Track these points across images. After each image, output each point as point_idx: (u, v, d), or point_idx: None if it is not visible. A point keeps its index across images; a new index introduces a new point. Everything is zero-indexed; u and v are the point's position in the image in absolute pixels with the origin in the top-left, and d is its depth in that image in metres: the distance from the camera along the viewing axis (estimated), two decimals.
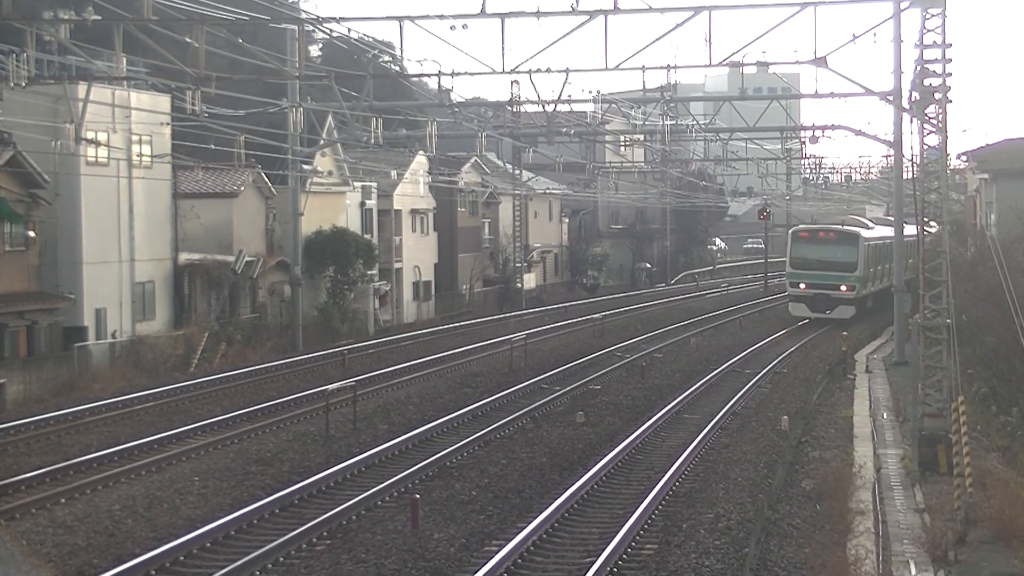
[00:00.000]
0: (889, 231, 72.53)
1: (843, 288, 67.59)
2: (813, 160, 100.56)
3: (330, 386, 39.01)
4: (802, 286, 68.47)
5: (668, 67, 38.58)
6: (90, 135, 44.84)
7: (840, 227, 70.80)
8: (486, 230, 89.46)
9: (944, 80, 30.47)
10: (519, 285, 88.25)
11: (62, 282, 48.68)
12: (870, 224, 74.81)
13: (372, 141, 44.97)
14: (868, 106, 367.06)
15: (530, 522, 24.17)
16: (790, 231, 72.09)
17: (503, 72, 33.99)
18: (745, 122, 57.96)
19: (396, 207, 74.89)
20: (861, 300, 69.15)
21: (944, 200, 32.02)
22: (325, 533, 24.32)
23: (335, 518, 25.08)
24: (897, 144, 51.13)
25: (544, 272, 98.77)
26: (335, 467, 29.98)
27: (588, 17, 32.30)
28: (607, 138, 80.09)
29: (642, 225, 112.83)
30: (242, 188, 59.96)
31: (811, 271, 68.09)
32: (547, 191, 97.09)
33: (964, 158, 69.72)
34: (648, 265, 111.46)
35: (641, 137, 75.37)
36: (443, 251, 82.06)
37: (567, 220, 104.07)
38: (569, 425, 36.64)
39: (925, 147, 31.32)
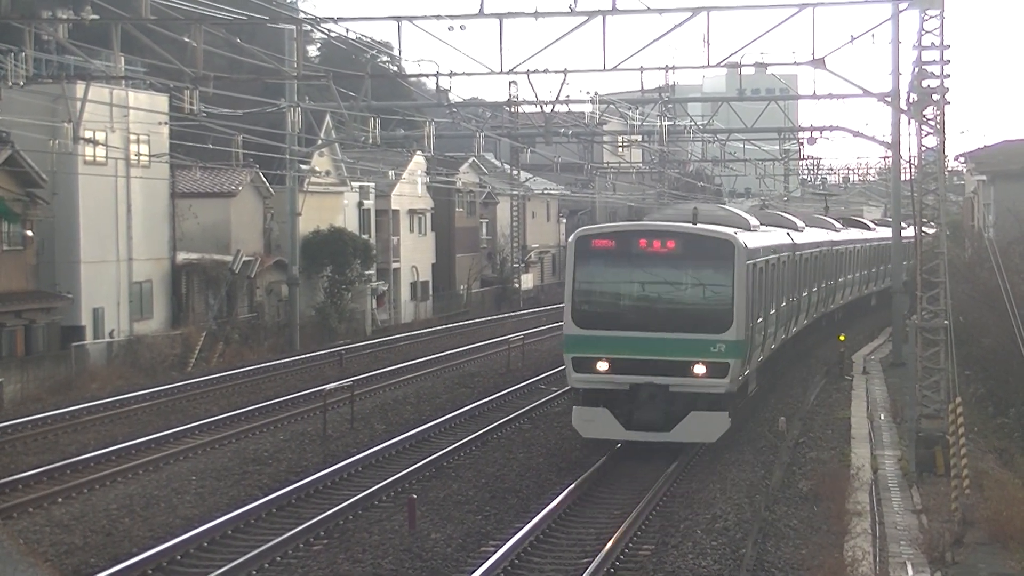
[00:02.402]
0: (792, 236, 42.74)
1: (699, 371, 30.27)
2: (811, 161, 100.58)
3: (327, 386, 39.04)
4: (601, 367, 30.56)
5: (666, 68, 38.61)
6: (88, 134, 44.80)
7: (689, 228, 31.89)
8: (484, 230, 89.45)
9: (942, 81, 30.48)
10: (517, 285, 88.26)
11: (60, 281, 48.66)
12: (754, 222, 37.29)
13: (370, 141, 44.95)
14: (866, 107, 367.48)
15: (527, 522, 24.16)
16: (572, 238, 32.19)
17: (501, 72, 34.00)
18: (743, 123, 57.95)
19: (394, 207, 74.88)
20: (743, 390, 32.55)
21: (942, 201, 32.01)
22: (322, 533, 24.32)
23: (332, 518, 25.09)
24: (895, 145, 51.14)
25: (542, 272, 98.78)
26: (332, 467, 30.01)
27: (586, 18, 32.31)
28: (605, 139, 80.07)
29: None
30: (240, 188, 59.97)
31: (621, 331, 30.66)
32: (545, 191, 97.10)
33: (962, 159, 69.66)
34: None
35: (639, 138, 75.38)
36: (441, 251, 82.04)
37: (565, 220, 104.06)
38: (566, 426, 36.61)
39: (923, 148, 31.34)
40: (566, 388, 42.28)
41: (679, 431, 30.18)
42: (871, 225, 70.95)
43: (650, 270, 31.05)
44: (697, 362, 30.12)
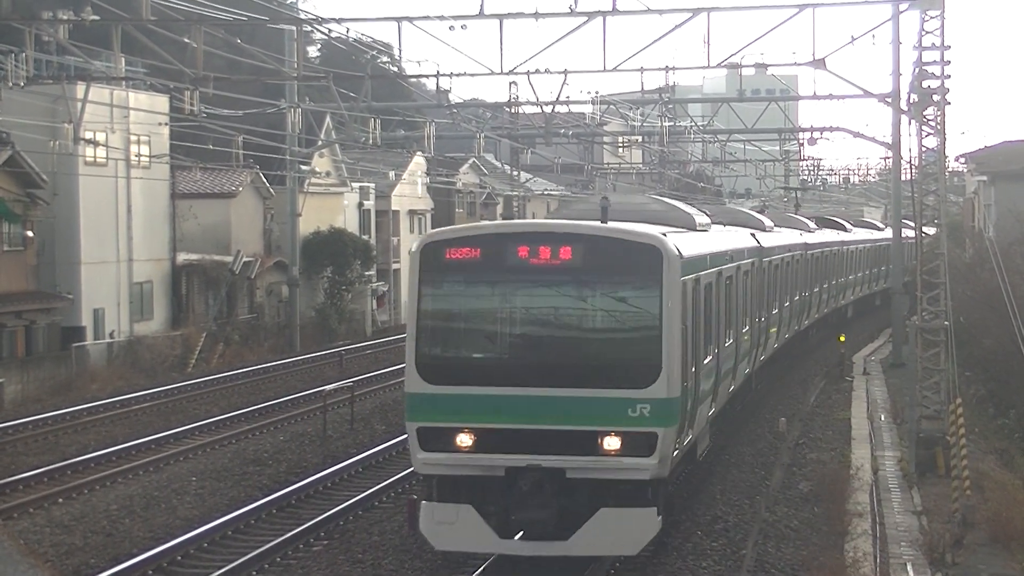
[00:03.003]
0: (758, 238, 35.33)
1: (611, 445, 20.37)
2: (811, 162, 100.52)
3: (327, 387, 39.03)
4: (463, 441, 20.68)
5: (666, 68, 38.67)
6: (88, 135, 44.79)
7: (594, 228, 21.63)
8: None
9: (943, 82, 30.50)
10: None
11: (60, 282, 48.67)
12: (702, 220, 28.34)
13: (370, 142, 44.94)
14: (867, 108, 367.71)
15: None
16: (416, 246, 21.57)
17: (501, 73, 34.00)
18: (743, 123, 57.91)
19: (394, 208, 74.93)
20: (688, 457, 23.89)
21: (942, 202, 32.05)
22: (322, 533, 24.32)
23: (333, 519, 25.09)
24: (895, 146, 51.14)
25: None
26: (332, 467, 30.01)
27: (587, 18, 32.30)
28: (605, 139, 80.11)
29: None
30: (240, 188, 59.99)
31: (492, 387, 20.74)
32: (545, 192, 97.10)
33: (962, 160, 69.70)
34: None
35: (639, 138, 75.38)
36: None
37: None
38: None
39: (923, 149, 31.36)
40: None
41: (583, 539, 20.25)
42: (848, 225, 65.51)
43: (535, 293, 21.01)
44: (608, 432, 20.22)
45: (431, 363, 20.80)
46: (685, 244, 22.35)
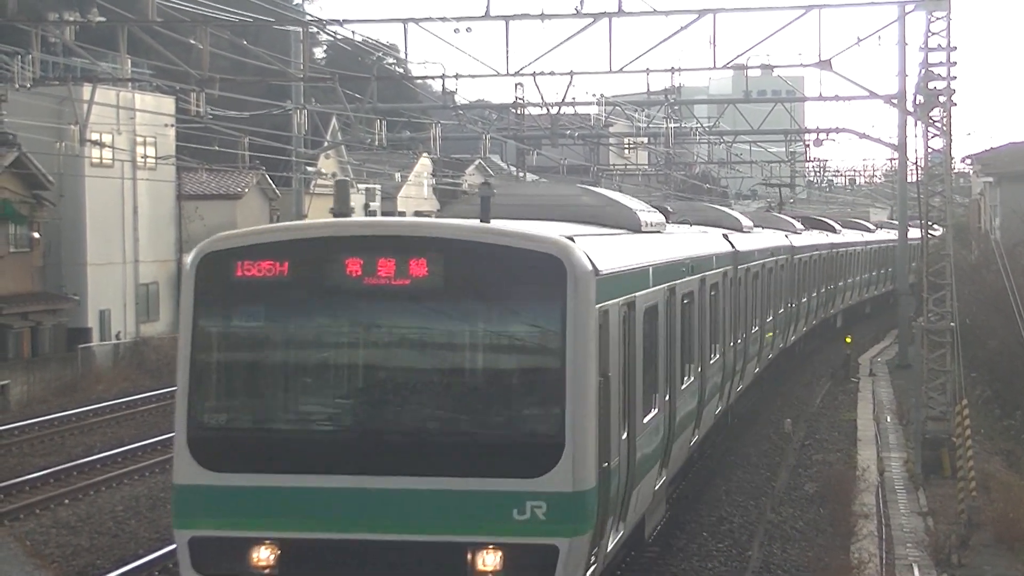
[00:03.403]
0: (732, 240, 29.29)
1: (487, 565, 13.12)
2: (817, 163, 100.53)
3: None
4: (260, 558, 13.37)
5: (672, 70, 38.68)
6: (94, 136, 44.86)
7: (464, 229, 14.07)
8: None
9: (949, 83, 30.45)
10: None
11: (66, 283, 48.76)
12: (651, 218, 21.41)
13: (376, 143, 44.96)
14: (872, 109, 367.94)
15: None
16: (192, 258, 13.96)
17: (507, 74, 34.02)
18: (749, 125, 57.90)
19: (400, 209, 74.99)
20: (624, 552, 18.47)
21: (948, 203, 31.99)
22: None
23: None
24: (901, 147, 51.10)
25: None
26: None
27: (592, 20, 32.31)
28: (611, 141, 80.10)
29: None
30: (246, 190, 60.07)
31: (305, 475, 13.46)
32: None
33: (968, 161, 69.70)
34: None
35: (645, 140, 75.36)
36: None
37: None
38: None
39: (929, 150, 31.32)
40: None
41: None
42: (836, 226, 61.31)
43: (371, 330, 13.96)
44: (483, 546, 13.38)
45: (212, 438, 13.83)
46: (609, 253, 15.62)
